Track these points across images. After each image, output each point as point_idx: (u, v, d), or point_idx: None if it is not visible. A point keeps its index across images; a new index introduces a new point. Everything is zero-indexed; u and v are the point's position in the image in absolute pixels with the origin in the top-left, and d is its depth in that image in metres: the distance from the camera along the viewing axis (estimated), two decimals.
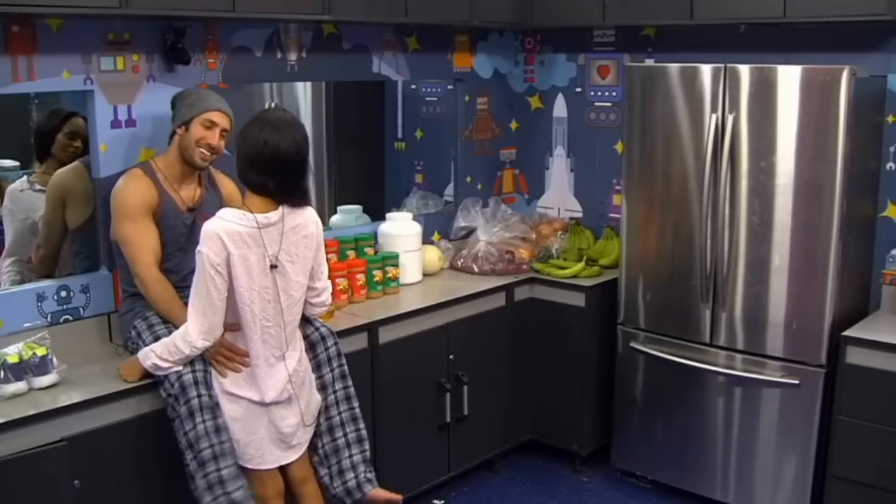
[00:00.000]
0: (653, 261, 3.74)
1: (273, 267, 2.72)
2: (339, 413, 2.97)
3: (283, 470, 2.88)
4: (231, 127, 3.03)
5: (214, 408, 2.70)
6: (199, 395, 2.67)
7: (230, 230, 2.64)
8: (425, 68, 4.25)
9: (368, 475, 2.97)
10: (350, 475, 2.95)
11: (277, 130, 2.70)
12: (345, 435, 2.97)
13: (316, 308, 2.97)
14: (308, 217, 2.84)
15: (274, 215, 2.72)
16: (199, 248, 2.65)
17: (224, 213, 2.70)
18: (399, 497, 2.99)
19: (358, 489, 2.94)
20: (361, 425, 3.00)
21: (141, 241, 2.91)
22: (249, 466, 2.77)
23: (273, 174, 2.70)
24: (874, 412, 3.18)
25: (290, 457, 2.86)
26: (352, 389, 3.00)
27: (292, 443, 2.85)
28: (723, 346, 3.58)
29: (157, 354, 2.68)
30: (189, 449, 2.66)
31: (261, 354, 2.76)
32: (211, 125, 2.96)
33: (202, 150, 2.96)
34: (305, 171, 2.81)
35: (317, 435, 2.96)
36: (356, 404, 3.00)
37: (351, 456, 2.96)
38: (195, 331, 2.65)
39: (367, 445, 3.00)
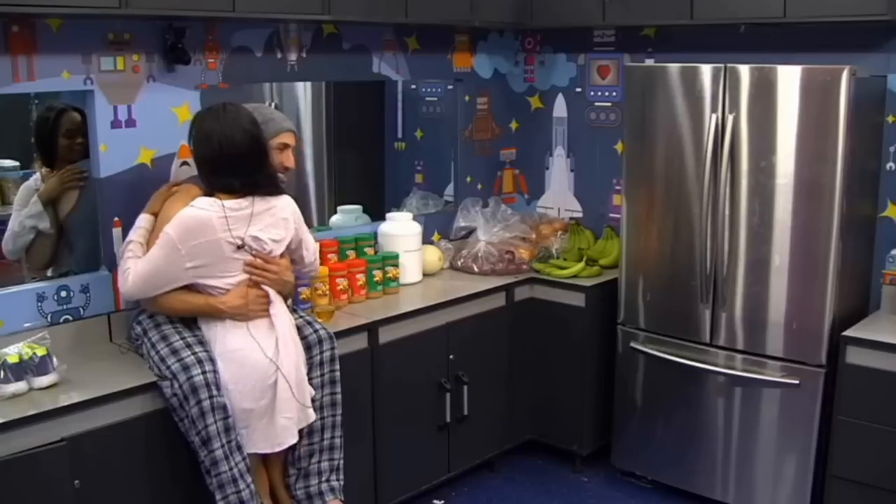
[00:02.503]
0: (653, 261, 3.74)
1: (240, 247, 2.77)
2: (322, 418, 2.99)
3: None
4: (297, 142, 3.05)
5: (224, 408, 2.72)
6: (211, 397, 2.68)
7: (199, 217, 2.71)
8: (425, 68, 4.25)
9: (333, 483, 2.99)
10: (314, 480, 2.97)
11: (226, 127, 2.74)
12: (321, 440, 2.99)
13: (307, 268, 3.08)
14: (281, 202, 2.87)
15: (244, 202, 2.78)
16: (166, 228, 2.72)
17: (197, 202, 2.76)
18: None
19: (319, 496, 2.96)
20: (338, 433, 3.01)
21: None
22: (254, 451, 2.79)
23: (235, 172, 2.75)
24: (874, 412, 3.18)
25: (287, 438, 2.83)
26: (338, 396, 3.02)
27: (287, 415, 2.82)
28: (723, 346, 3.57)
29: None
30: (203, 447, 2.69)
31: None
32: (284, 147, 2.95)
33: (280, 174, 2.94)
34: (265, 156, 2.83)
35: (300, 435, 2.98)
36: (339, 411, 3.02)
37: (319, 462, 2.98)
38: (133, 280, 2.77)
39: (338, 454, 3.01)
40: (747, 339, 3.51)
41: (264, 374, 2.77)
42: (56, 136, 3.42)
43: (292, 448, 2.96)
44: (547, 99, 4.63)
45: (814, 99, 3.24)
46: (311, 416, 2.91)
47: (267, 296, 2.84)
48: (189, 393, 2.66)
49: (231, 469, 2.70)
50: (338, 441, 3.01)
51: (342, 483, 3.02)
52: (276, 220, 2.85)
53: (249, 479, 2.75)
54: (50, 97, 3.47)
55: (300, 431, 2.93)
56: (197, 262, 2.75)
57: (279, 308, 2.87)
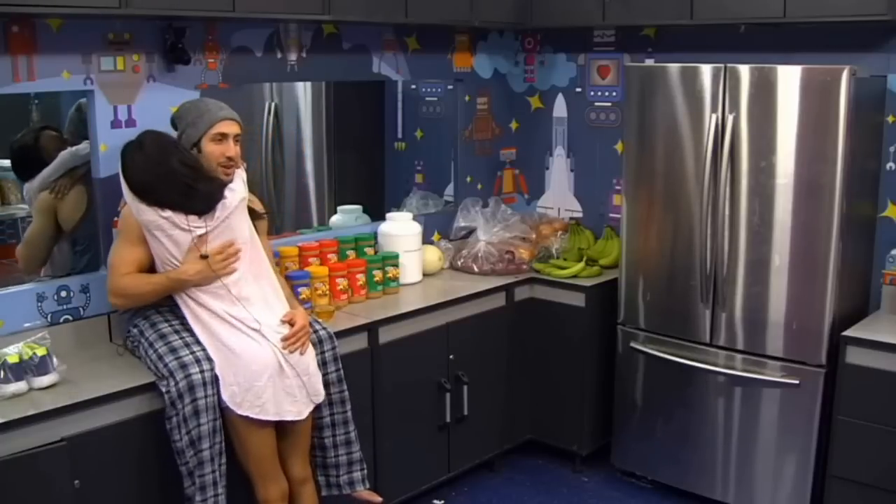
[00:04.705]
0: (653, 261, 3.74)
1: (199, 243, 2.79)
2: (332, 414, 3.04)
3: (285, 470, 2.92)
4: (242, 129, 2.99)
5: (216, 407, 2.72)
6: (206, 396, 2.69)
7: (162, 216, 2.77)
8: (425, 68, 4.25)
9: (354, 475, 3.11)
10: (333, 472, 3.09)
11: (160, 172, 2.74)
12: (334, 436, 3.06)
13: None
14: (234, 189, 2.89)
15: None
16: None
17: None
18: (379, 499, 3.15)
19: (337, 487, 3.10)
20: (351, 428, 3.09)
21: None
22: (250, 415, 2.75)
23: (188, 205, 2.76)
24: (874, 412, 3.18)
25: (289, 412, 2.83)
26: (346, 393, 3.07)
27: (294, 395, 2.83)
28: (723, 346, 3.57)
29: None
30: (191, 447, 2.68)
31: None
32: (222, 137, 2.90)
33: (223, 167, 2.90)
34: (205, 182, 2.81)
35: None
36: (349, 407, 3.07)
37: (337, 456, 3.07)
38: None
39: (355, 447, 3.10)
40: (747, 339, 3.51)
41: (263, 365, 2.77)
42: (43, 158, 3.40)
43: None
44: (547, 99, 4.63)
45: (814, 99, 3.24)
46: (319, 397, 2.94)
47: (233, 256, 2.82)
48: (185, 391, 2.66)
49: (214, 471, 2.72)
50: (353, 435, 3.09)
51: (365, 472, 3.13)
52: (231, 200, 2.85)
53: (224, 482, 2.76)
54: (50, 97, 3.47)
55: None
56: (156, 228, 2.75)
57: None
